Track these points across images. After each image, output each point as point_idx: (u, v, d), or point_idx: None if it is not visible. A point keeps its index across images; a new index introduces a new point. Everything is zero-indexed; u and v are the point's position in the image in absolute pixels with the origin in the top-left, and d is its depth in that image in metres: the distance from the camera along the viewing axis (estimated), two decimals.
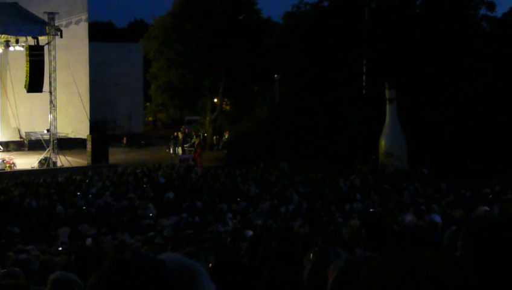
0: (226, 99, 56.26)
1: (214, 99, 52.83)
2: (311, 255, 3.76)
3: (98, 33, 55.77)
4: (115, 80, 54.95)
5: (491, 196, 20.87)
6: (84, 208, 22.07)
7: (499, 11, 41.72)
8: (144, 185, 27.57)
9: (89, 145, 38.76)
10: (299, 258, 3.96)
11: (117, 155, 42.17)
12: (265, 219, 19.43)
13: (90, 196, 24.27)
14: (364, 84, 38.91)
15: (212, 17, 47.88)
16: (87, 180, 28.77)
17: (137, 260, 1.66)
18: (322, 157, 35.40)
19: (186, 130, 51.38)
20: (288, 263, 4.41)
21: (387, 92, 34.51)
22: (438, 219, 11.31)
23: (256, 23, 51.14)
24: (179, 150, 47.03)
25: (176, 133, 49.82)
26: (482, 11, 41.63)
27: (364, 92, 38.66)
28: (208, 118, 51.82)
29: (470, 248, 2.36)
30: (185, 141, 48.57)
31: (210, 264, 3.74)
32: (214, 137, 51.60)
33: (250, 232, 12.96)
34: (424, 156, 32.03)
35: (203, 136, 51.12)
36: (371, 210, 19.61)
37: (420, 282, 1.58)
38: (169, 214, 20.89)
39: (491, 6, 41.01)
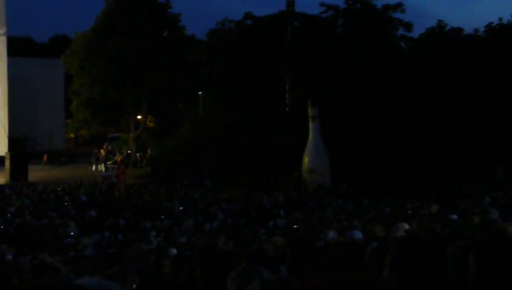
0: (149, 116, 55.89)
1: (137, 116, 52.38)
2: (233, 275, 3.75)
3: (18, 48, 54.52)
4: (35, 96, 53.83)
5: (410, 212, 21.32)
6: (1, 227, 21.47)
7: (416, 32, 43.17)
8: (65, 204, 27.06)
9: (7, 163, 37.80)
10: (223, 277, 3.96)
11: (37, 173, 41.27)
12: (190, 236, 19.33)
13: (8, 215, 23.64)
14: (287, 101, 39.33)
15: (135, 34, 47.54)
16: (5, 199, 28.03)
17: (54, 286, 1.62)
18: (246, 174, 35.51)
19: (109, 147, 50.77)
20: (212, 282, 4.40)
21: (310, 109, 34.95)
22: (359, 235, 11.49)
23: (180, 40, 51.06)
24: (102, 168, 46.44)
25: (98, 150, 49.15)
26: (400, 32, 42.98)
27: (287, 109, 39.06)
28: (131, 135, 51.31)
29: (396, 266, 2.41)
30: (107, 158, 47.96)
31: (134, 286, 3.68)
32: (138, 154, 51.13)
33: (174, 251, 12.88)
34: (346, 173, 32.52)
35: (127, 153, 50.59)
36: (295, 227, 19.73)
37: None
38: (92, 233, 20.55)
39: (409, 27, 42.37)
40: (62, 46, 57.21)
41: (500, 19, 40.79)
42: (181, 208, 26.56)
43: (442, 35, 41.23)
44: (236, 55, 40.83)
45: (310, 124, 35.05)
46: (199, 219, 23.39)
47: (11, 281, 7.36)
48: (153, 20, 49.24)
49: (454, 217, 13.15)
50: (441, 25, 41.88)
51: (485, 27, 41.46)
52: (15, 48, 51.34)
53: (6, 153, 39.61)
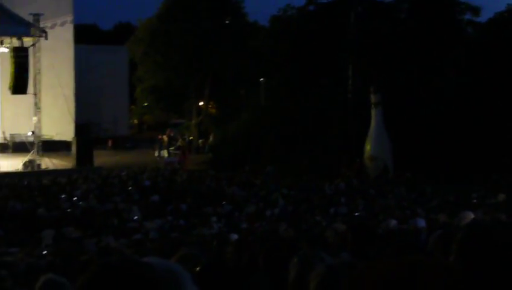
0: (211, 103, 56.25)
1: (199, 102, 52.79)
2: (295, 260, 3.76)
3: (83, 35, 55.52)
4: (100, 83, 54.70)
5: (475, 201, 20.96)
6: (68, 210, 21.94)
7: (484, 16, 41.98)
8: (129, 188, 27.43)
9: (74, 148, 38.47)
10: (285, 262, 3.97)
11: (102, 158, 41.89)
12: (251, 222, 19.39)
13: (74, 198, 24.10)
14: (349, 88, 39.01)
15: (198, 21, 47.81)
16: (72, 183, 28.59)
17: (124, 264, 1.66)
18: (307, 161, 35.42)
19: (172, 133, 51.32)
20: (274, 268, 4.42)
21: (372, 96, 34.63)
22: (422, 223, 11.36)
23: (242, 27, 51.15)
24: (165, 153, 46.94)
25: (161, 136, 49.73)
26: (467, 16, 41.91)
27: (349, 96, 38.77)
28: (193, 121, 51.79)
29: (464, 254, 2.37)
30: (170, 144, 48.46)
31: (198, 268, 3.74)
32: (200, 140, 51.57)
33: (235, 236, 12.97)
34: (409, 160, 32.13)
35: (189, 139, 51.09)
36: (356, 214, 19.63)
37: (409, 287, 1.59)
38: (154, 217, 20.80)
39: (476, 12, 41.25)
40: (126, 33, 58.06)
41: None
42: (243, 193, 26.64)
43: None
44: (298, 41, 40.68)
45: (373, 111, 34.74)
46: (260, 205, 23.43)
47: (79, 259, 7.52)
48: (216, 7, 49.43)
49: None
50: (510, 9, 40.62)
51: None
52: (81, 36, 52.30)
53: (72, 138, 40.31)
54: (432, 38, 37.34)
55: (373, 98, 34.68)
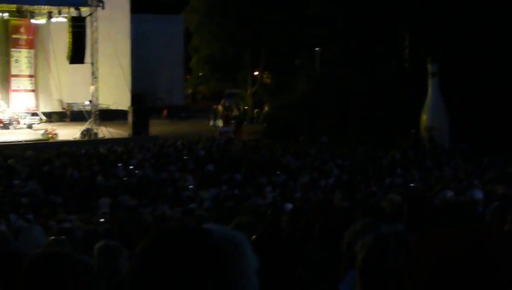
0: (266, 72, 56.11)
1: (254, 72, 52.72)
2: (352, 229, 3.74)
3: (140, 5, 55.82)
4: (156, 52, 55.11)
5: None
6: (125, 179, 22.27)
7: None
8: (184, 157, 27.67)
9: (130, 117, 38.91)
10: (340, 232, 3.96)
11: (157, 127, 42.25)
12: (305, 192, 19.39)
13: (131, 167, 24.42)
14: (406, 57, 38.46)
15: None
16: (128, 152, 28.98)
17: (184, 230, 1.67)
18: (362, 132, 35.15)
19: (227, 103, 51.48)
20: (329, 237, 4.42)
21: (429, 66, 34.08)
22: (479, 194, 11.18)
23: None
24: (219, 123, 47.16)
25: (215, 106, 49.93)
26: None
27: (406, 65, 38.21)
28: (248, 91, 51.81)
29: None
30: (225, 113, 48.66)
31: (253, 237, 3.76)
32: (255, 110, 51.61)
33: (290, 205, 13.01)
34: (466, 131, 31.59)
35: (244, 109, 51.20)
36: (411, 185, 19.45)
37: (470, 256, 1.56)
38: (209, 187, 20.95)
39: None
40: (182, 2, 58.15)
41: None
42: (297, 163, 26.61)
43: None
44: (355, 10, 40.15)
45: (429, 81, 34.21)
46: (315, 174, 23.39)
47: (135, 229, 7.64)
48: None
49: None
50: None
51: None
52: (137, 5, 52.62)
53: (129, 107, 40.80)
54: (491, 4, 36.39)
55: (430, 68, 34.12)
